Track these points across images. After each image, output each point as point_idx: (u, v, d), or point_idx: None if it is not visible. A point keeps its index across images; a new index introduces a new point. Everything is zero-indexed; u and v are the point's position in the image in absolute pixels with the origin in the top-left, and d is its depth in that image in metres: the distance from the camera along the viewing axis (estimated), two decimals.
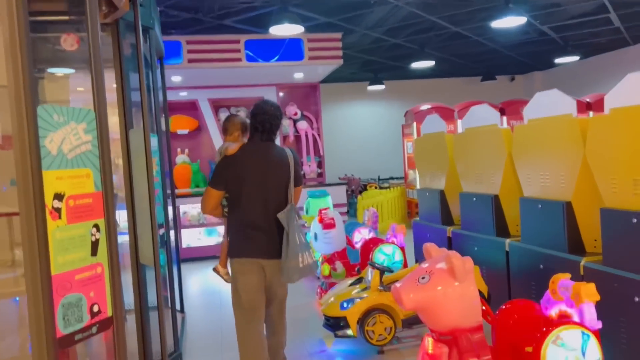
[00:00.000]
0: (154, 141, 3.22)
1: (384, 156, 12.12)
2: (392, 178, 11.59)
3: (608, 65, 10.41)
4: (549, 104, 3.21)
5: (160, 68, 4.28)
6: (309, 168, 8.86)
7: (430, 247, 2.45)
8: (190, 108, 8.55)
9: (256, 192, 2.68)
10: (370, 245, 4.63)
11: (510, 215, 3.79)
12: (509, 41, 8.85)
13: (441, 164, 4.61)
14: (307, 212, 5.77)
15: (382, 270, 3.40)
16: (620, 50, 10.24)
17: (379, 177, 11.61)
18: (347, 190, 9.53)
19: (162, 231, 3.34)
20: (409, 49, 8.86)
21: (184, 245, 7.01)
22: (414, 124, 8.68)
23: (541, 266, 3.22)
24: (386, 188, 10.19)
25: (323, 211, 4.58)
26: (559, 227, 3.07)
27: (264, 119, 2.75)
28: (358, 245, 5.13)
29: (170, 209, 4.44)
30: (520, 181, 3.52)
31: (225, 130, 3.53)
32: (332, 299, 3.57)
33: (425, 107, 8.87)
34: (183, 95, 8.36)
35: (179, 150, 8.50)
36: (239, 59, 6.97)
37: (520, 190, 3.61)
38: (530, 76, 13.08)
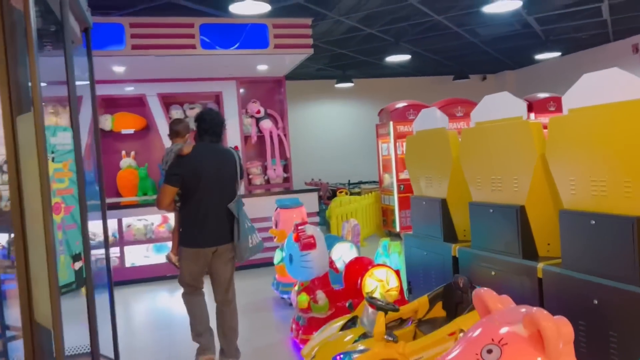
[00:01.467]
0: (65, 137, 2.28)
1: (353, 159, 11.30)
2: (362, 182, 10.78)
3: (585, 62, 9.98)
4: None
5: (86, 43, 3.26)
6: (274, 172, 7.91)
7: (486, 295, 1.59)
8: (137, 104, 7.44)
9: (211, 186, 3.16)
10: (355, 267, 3.76)
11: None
12: (490, 34, 8.22)
13: (442, 167, 3.79)
14: (276, 226, 4.82)
15: (386, 310, 2.52)
16: (599, 47, 9.83)
17: (349, 181, 10.77)
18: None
19: (78, 265, 2.39)
20: (383, 40, 8.08)
21: (127, 265, 5.93)
22: (390, 122, 7.89)
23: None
24: (357, 194, 9.37)
25: (299, 226, 3.67)
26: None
27: (212, 124, 3.29)
28: (339, 265, 4.25)
29: (103, 222, 3.42)
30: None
31: (177, 132, 3.80)
32: (317, 349, 2.66)
33: (401, 104, 8.10)
34: (129, 90, 7.25)
35: (123, 152, 7.38)
36: (193, 46, 5.96)
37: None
38: (502, 76, 12.61)
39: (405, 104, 8.11)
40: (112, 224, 5.95)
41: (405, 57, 8.73)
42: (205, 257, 3.22)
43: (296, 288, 3.64)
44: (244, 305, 4.95)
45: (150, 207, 5.92)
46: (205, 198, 3.14)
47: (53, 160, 2.18)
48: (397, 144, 7.92)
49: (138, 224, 5.98)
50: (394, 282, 3.48)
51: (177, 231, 3.42)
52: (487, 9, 5.86)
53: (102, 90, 7.08)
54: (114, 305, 3.40)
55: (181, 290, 3.43)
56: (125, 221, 5.90)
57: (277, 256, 4.71)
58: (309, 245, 3.43)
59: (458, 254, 3.56)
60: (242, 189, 3.55)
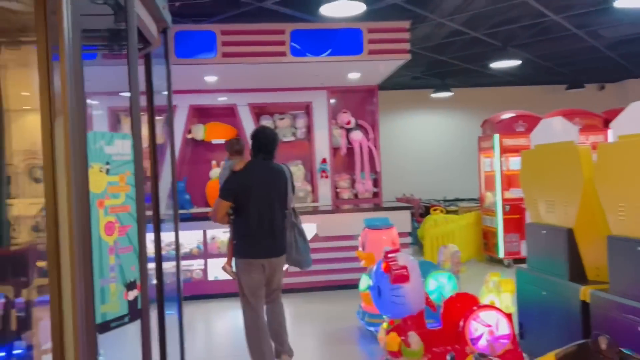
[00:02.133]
0: (124, 145, 1.99)
1: (450, 174, 10.52)
2: (459, 200, 9.97)
3: None
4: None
5: (164, 44, 3.04)
6: (363, 186, 7.46)
7: None
8: (228, 114, 7.37)
9: (263, 200, 3.31)
10: (457, 305, 3.17)
11: None
12: (616, 35, 7.16)
13: (569, 190, 3.10)
14: (363, 248, 4.35)
15: None
16: None
17: (444, 198, 10.02)
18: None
19: (132, 294, 2.08)
20: (489, 45, 7.34)
21: (210, 278, 5.76)
22: (496, 135, 7.11)
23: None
24: (454, 212, 8.61)
25: (389, 254, 3.16)
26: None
27: (266, 142, 3.45)
28: (435, 297, 3.68)
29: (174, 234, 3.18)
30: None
31: (238, 151, 4.49)
32: None
33: (508, 115, 7.29)
34: (221, 100, 7.19)
35: (213, 162, 7.33)
36: (284, 53, 5.71)
37: None
38: (624, 85, 11.16)
39: (513, 114, 7.29)
40: (197, 235, 5.84)
41: (513, 63, 7.90)
42: (259, 267, 3.36)
43: (385, 325, 3.14)
44: (326, 333, 4.54)
45: None
46: (257, 212, 3.31)
47: (107, 172, 1.91)
48: (503, 158, 7.12)
49: (223, 237, 5.81)
50: (505, 329, 2.86)
51: (231, 243, 3.55)
52: (620, 3, 4.98)
53: (195, 100, 7.10)
54: (183, 324, 3.13)
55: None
56: (210, 233, 5.75)
57: (364, 282, 4.23)
58: (401, 278, 2.91)
59: (590, 299, 2.85)
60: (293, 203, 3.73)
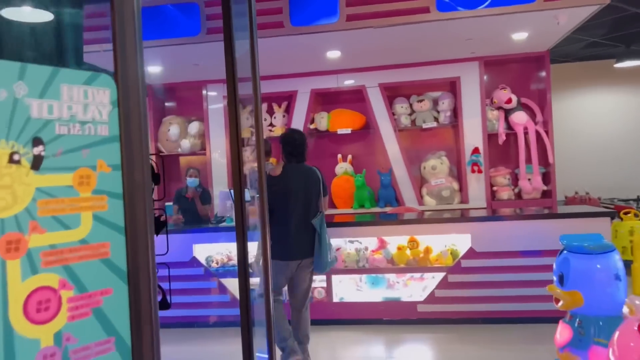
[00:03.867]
0: (93, 96, 0.87)
1: None
2: None
3: None
4: None
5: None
6: (530, 184, 5.77)
7: None
8: (356, 99, 6.21)
9: (298, 203, 3.50)
10: None
11: None
12: None
13: None
14: (561, 281, 2.80)
15: None
16: None
17: (638, 197, 7.76)
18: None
19: None
20: None
21: (335, 299, 4.63)
22: None
23: None
24: None
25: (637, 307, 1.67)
26: None
27: (296, 146, 3.60)
28: None
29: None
30: None
31: (267, 152, 4.50)
32: None
33: None
34: (348, 82, 6.04)
35: (339, 156, 6.22)
36: (426, 9, 4.34)
37: None
38: None
39: None
40: None
41: None
42: (291, 269, 3.52)
43: None
44: None
45: (366, 226, 4.52)
46: (292, 214, 3.47)
47: (36, 164, 0.80)
48: None
49: (349, 247, 4.64)
50: None
51: None
52: None
53: (317, 84, 6.04)
54: None
55: None
56: (335, 242, 4.62)
57: (564, 333, 2.72)
58: None
59: None
60: (325, 205, 3.76)
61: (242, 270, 1.93)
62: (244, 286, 1.95)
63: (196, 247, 4.66)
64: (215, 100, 6.27)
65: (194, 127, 6.23)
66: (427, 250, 4.48)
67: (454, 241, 4.59)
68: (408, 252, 4.53)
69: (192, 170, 5.39)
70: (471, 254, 4.36)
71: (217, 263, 4.71)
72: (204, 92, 6.28)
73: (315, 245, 3.48)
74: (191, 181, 5.25)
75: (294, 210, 3.48)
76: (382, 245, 4.60)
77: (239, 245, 1.86)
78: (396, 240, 4.60)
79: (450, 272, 4.38)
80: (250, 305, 2.12)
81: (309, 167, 3.62)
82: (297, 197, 3.49)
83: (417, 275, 4.60)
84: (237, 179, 1.89)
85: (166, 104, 6.75)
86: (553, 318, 2.96)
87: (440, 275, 4.42)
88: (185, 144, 6.17)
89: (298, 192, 3.50)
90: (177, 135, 6.23)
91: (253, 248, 3.73)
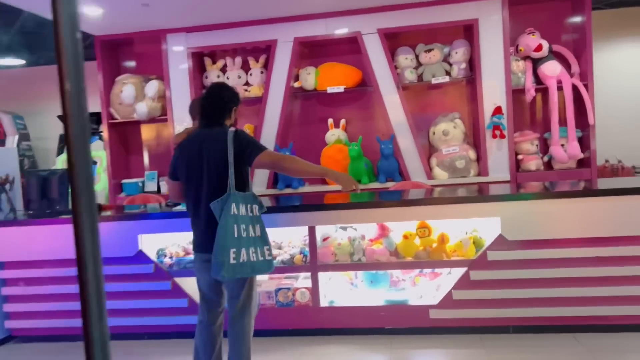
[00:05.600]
0: None
1: None
2: None
3: None
4: None
5: None
6: (563, 150, 4.69)
7: None
8: (349, 50, 5.08)
9: (197, 182, 2.60)
10: None
11: None
12: None
13: None
14: None
15: None
16: None
17: None
18: None
19: None
20: None
21: (324, 303, 3.58)
22: None
23: None
24: None
25: None
26: None
27: (206, 103, 2.67)
28: None
29: None
30: None
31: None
32: None
33: None
34: (339, 31, 4.89)
35: (330, 122, 5.12)
36: None
37: None
38: None
39: None
40: (301, 232, 3.69)
41: None
42: (205, 265, 2.59)
43: None
44: None
45: (362, 208, 3.46)
46: (200, 193, 2.58)
47: None
48: None
49: (341, 236, 3.58)
50: None
51: None
52: None
53: (301, 31, 4.89)
54: None
55: None
56: (321, 230, 3.56)
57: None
58: None
59: None
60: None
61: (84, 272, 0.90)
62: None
63: (143, 237, 3.60)
64: (177, 55, 5.13)
65: (152, 87, 5.11)
66: (443, 239, 3.43)
67: (477, 226, 3.54)
68: (417, 241, 3.49)
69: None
70: (500, 243, 3.31)
71: (171, 258, 3.67)
72: (163, 45, 5.13)
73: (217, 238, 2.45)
74: None
75: (201, 188, 2.57)
76: (383, 232, 3.54)
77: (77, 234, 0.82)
78: (401, 226, 3.55)
79: (473, 267, 3.34)
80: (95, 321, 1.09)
81: (221, 130, 2.60)
82: (202, 171, 2.57)
83: (429, 271, 3.56)
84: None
85: (122, 63, 5.60)
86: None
87: (459, 271, 3.39)
88: (142, 107, 5.05)
89: (202, 164, 2.57)
90: (132, 97, 5.11)
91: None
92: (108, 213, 3.79)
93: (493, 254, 3.31)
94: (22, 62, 7.03)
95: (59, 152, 7.12)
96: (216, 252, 2.43)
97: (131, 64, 5.60)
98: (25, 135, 7.59)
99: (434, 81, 4.84)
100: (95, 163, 6.20)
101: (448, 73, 4.88)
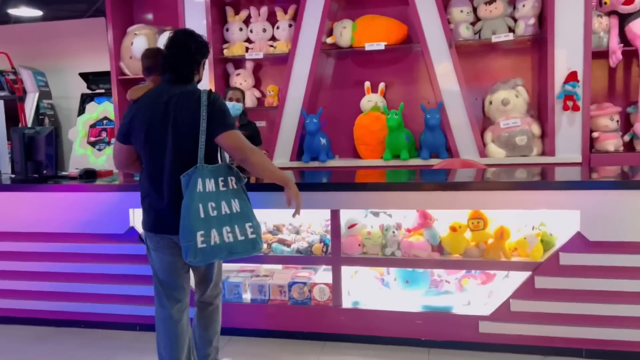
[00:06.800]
0: None
1: None
2: None
3: None
4: None
5: None
6: None
7: None
8: (393, 0, 4.30)
9: (158, 149, 2.17)
10: None
11: None
12: None
13: None
14: None
15: None
16: None
17: None
18: None
19: None
20: None
21: (346, 304, 2.93)
22: None
23: None
24: None
25: None
26: None
27: (171, 54, 2.22)
28: None
29: None
30: None
31: (148, 68, 2.75)
32: None
33: None
34: None
35: (366, 85, 4.39)
36: None
37: None
38: None
39: None
40: (323, 215, 3.03)
41: None
42: (169, 249, 2.24)
43: None
44: None
45: (399, 191, 2.76)
46: (154, 163, 2.18)
47: None
48: None
49: (371, 223, 2.89)
50: None
51: None
52: None
53: None
54: None
55: None
56: (347, 214, 2.89)
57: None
58: None
59: None
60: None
61: None
62: None
63: (136, 212, 3.03)
64: (195, 4, 4.47)
65: (165, 38, 4.47)
66: (501, 234, 2.70)
67: (547, 220, 2.78)
68: (468, 234, 2.77)
69: (233, 91, 3.69)
70: (578, 243, 2.55)
71: None
72: None
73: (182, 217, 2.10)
74: (231, 107, 3.43)
75: (163, 157, 2.16)
76: (425, 222, 2.83)
77: None
78: (448, 215, 2.83)
79: (540, 272, 2.61)
80: None
81: (191, 88, 2.22)
82: (166, 137, 2.15)
83: (481, 272, 2.85)
84: None
85: (135, 14, 5.00)
86: None
87: (520, 276, 2.67)
88: None
89: (167, 128, 2.14)
90: (143, 50, 4.49)
91: None
92: (101, 181, 3.24)
93: (567, 256, 2.56)
94: (38, 12, 6.53)
95: (80, 112, 6.66)
96: (182, 236, 2.09)
97: (146, 16, 4.99)
98: (47, 93, 7.16)
99: (494, 39, 4.02)
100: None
101: (512, 30, 4.05)
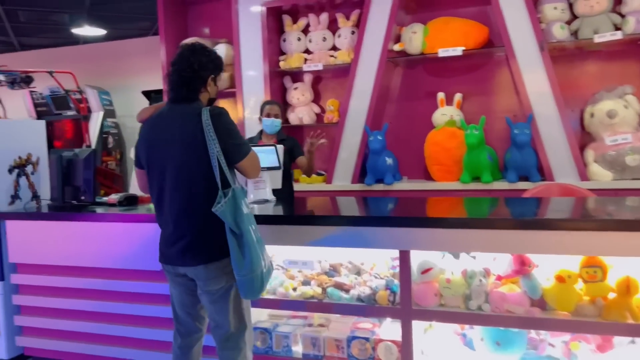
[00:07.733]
0: None
1: None
2: None
3: None
4: None
5: None
6: None
7: None
8: (470, 1, 3.75)
9: (159, 171, 2.03)
10: None
11: None
12: None
13: None
14: None
15: None
16: None
17: None
18: None
19: None
20: None
21: None
22: None
23: None
24: None
25: None
26: None
27: (174, 71, 2.02)
28: None
29: None
30: None
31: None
32: None
33: None
34: None
35: (440, 96, 3.83)
36: None
37: None
38: None
39: None
40: (386, 254, 2.50)
41: None
42: (175, 280, 2.09)
43: None
44: None
45: (486, 229, 2.18)
46: (164, 188, 2.02)
47: None
48: None
49: (450, 268, 2.32)
50: None
51: None
52: None
53: None
54: None
55: None
56: (420, 256, 2.34)
57: None
58: None
59: None
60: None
61: None
62: None
63: None
64: (250, 13, 4.14)
65: (220, 51, 4.16)
66: (627, 287, 2.05)
67: None
68: (580, 286, 2.14)
69: (270, 105, 3.35)
70: None
71: None
72: (235, 1, 4.17)
73: (231, 248, 1.89)
74: (269, 124, 3.23)
75: (164, 182, 2.01)
76: (522, 268, 2.22)
77: None
78: (553, 260, 2.21)
79: None
80: None
81: (191, 107, 2.00)
82: (166, 158, 1.98)
83: (596, 336, 2.19)
84: None
85: (190, 27, 4.75)
86: None
87: None
88: None
89: (167, 149, 1.98)
90: None
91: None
92: (144, 209, 2.92)
93: None
94: (102, 32, 6.53)
95: None
96: (243, 267, 1.89)
97: (202, 29, 4.73)
98: (111, 111, 7.16)
99: (597, 39, 3.35)
100: None
101: (618, 28, 3.36)
